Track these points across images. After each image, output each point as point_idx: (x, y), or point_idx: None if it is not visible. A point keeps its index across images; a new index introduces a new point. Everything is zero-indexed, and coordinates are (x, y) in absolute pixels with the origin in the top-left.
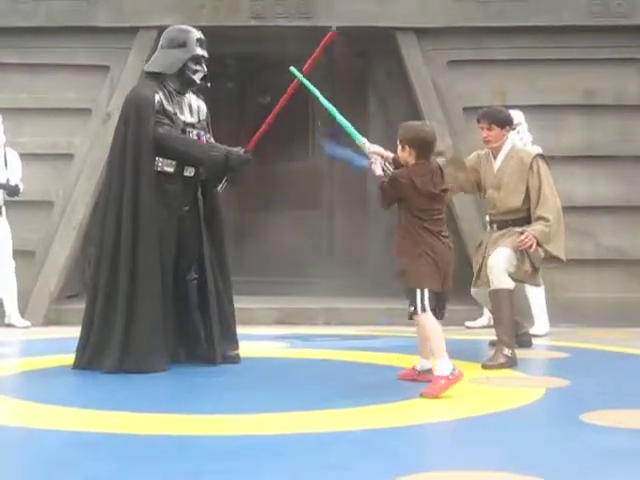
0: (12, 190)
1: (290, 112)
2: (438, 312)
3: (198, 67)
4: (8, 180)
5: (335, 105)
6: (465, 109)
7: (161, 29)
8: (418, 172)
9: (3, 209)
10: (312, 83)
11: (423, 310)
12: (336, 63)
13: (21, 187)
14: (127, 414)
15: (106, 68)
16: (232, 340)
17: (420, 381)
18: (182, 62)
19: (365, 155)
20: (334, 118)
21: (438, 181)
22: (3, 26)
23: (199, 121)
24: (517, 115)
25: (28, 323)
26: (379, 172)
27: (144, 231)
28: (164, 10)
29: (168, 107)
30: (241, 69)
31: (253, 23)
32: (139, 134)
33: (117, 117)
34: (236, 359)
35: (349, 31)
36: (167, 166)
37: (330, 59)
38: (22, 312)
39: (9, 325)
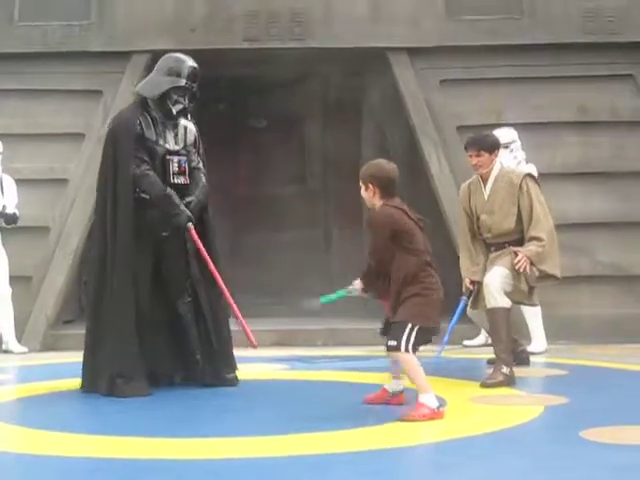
0: (10, 218)
1: (287, 140)
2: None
3: (180, 99)
4: (4, 207)
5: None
6: (459, 128)
7: (154, 53)
8: (392, 205)
9: None
10: (307, 105)
11: (406, 350)
12: (330, 84)
13: (18, 214)
14: (128, 439)
15: (99, 93)
16: (229, 362)
17: (392, 404)
18: (163, 90)
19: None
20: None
21: (412, 212)
22: None
23: (184, 146)
24: (510, 133)
25: (25, 349)
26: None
27: (119, 257)
28: (156, 34)
29: (148, 134)
30: (234, 92)
31: (246, 45)
32: (117, 161)
33: None
34: (234, 381)
35: (342, 52)
36: (144, 193)
37: (325, 80)
38: (19, 337)
39: (6, 351)
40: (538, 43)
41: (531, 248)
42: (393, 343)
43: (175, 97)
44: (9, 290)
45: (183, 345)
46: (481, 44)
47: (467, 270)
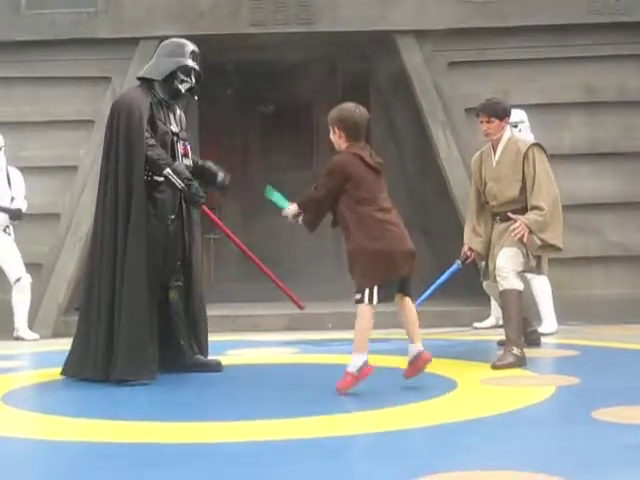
0: (15, 214)
1: (295, 125)
2: (404, 295)
3: (186, 78)
4: (13, 199)
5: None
6: (467, 110)
7: (162, 39)
8: (352, 148)
9: (10, 228)
10: (315, 89)
11: (370, 302)
12: (337, 68)
13: (24, 208)
14: (140, 423)
15: (108, 79)
16: (206, 348)
17: (422, 370)
18: (170, 70)
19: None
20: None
21: (373, 155)
22: (6, 40)
23: (181, 130)
24: (519, 114)
25: (37, 336)
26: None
27: (133, 240)
28: (164, 20)
29: (158, 116)
30: (241, 76)
31: (253, 30)
32: (131, 141)
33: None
34: (219, 367)
35: (349, 36)
36: (157, 175)
37: (332, 64)
38: (31, 324)
39: (17, 338)
40: (545, 24)
41: (530, 217)
42: (358, 296)
43: (182, 77)
44: (28, 277)
45: (169, 329)
46: (488, 26)
47: (468, 238)
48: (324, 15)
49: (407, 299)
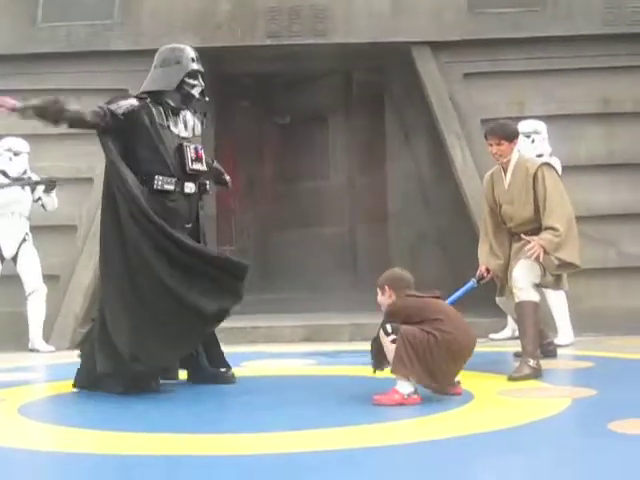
0: (49, 184)
1: (310, 135)
2: None
3: (195, 82)
4: (38, 199)
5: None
6: (483, 121)
7: None
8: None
9: (29, 235)
10: (330, 100)
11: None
12: (352, 79)
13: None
14: (156, 435)
15: (125, 92)
16: (223, 359)
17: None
18: (180, 78)
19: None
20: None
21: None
22: (22, 53)
23: (194, 136)
24: (534, 124)
25: (52, 347)
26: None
27: (138, 251)
28: (181, 32)
29: (160, 121)
30: (258, 88)
31: (269, 42)
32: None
33: None
34: (233, 379)
35: (364, 47)
36: (167, 184)
37: (347, 75)
38: (48, 336)
39: (33, 350)
40: (560, 35)
41: (544, 236)
42: (389, 329)
43: (191, 82)
44: (44, 289)
45: None
46: (504, 37)
47: (485, 258)
48: (339, 27)
49: None
